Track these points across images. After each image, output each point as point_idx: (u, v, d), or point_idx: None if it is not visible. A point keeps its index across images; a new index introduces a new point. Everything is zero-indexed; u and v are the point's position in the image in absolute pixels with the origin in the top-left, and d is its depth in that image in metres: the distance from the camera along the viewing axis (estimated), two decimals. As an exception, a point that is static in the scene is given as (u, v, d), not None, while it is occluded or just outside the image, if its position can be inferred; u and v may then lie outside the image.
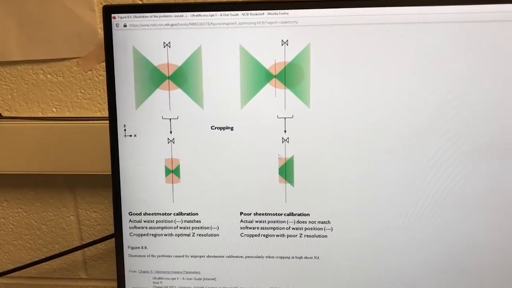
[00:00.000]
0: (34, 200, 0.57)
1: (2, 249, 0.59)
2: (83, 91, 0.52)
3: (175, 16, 0.37)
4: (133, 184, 0.40)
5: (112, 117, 0.39)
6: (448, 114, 0.37)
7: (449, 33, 0.36)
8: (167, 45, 0.38)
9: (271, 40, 0.37)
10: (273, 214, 0.40)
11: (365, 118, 0.38)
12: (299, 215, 0.40)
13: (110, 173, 0.40)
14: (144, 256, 0.42)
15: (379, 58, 0.37)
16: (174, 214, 0.41)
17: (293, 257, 0.41)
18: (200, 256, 0.41)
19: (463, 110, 0.37)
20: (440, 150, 0.38)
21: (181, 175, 0.40)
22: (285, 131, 0.38)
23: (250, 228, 0.40)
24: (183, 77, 0.38)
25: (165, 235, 0.41)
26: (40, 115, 0.53)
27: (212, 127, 0.39)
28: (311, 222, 0.40)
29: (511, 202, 0.38)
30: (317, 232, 0.40)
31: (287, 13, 0.37)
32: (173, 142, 0.39)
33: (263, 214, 0.40)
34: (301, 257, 0.41)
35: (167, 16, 0.37)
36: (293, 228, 0.40)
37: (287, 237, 0.40)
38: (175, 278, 0.42)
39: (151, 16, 0.37)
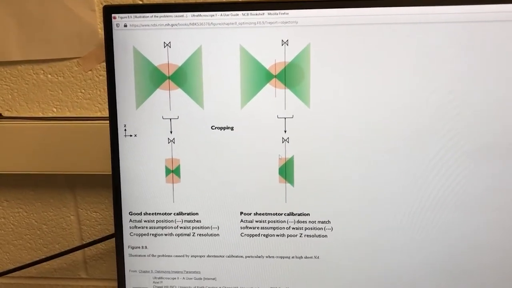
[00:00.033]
0: (34, 200, 0.57)
1: (3, 249, 0.59)
2: (83, 91, 0.52)
3: (176, 16, 0.37)
4: (133, 184, 0.40)
5: (113, 117, 0.39)
6: (449, 114, 0.37)
7: (451, 33, 0.36)
8: (167, 45, 0.38)
9: (271, 40, 0.37)
10: (273, 214, 0.40)
11: (366, 118, 0.38)
12: (299, 215, 0.40)
13: (111, 173, 0.40)
14: (144, 256, 0.42)
15: (380, 58, 0.37)
16: (174, 214, 0.41)
17: (293, 257, 0.41)
18: (200, 256, 0.41)
19: (464, 110, 0.37)
20: (441, 150, 0.38)
21: (181, 175, 0.40)
22: (285, 131, 0.38)
23: (250, 228, 0.40)
24: (183, 77, 0.38)
25: (166, 235, 0.41)
26: (41, 115, 0.53)
27: (212, 127, 0.39)
28: (311, 222, 0.40)
29: (512, 202, 0.38)
30: (317, 232, 0.40)
31: (287, 13, 0.37)
32: (174, 142, 0.39)
33: (263, 214, 0.40)
34: (301, 257, 0.41)
35: (167, 16, 0.37)
36: (293, 228, 0.40)
37: (287, 237, 0.40)
38: (175, 278, 0.42)
39: (151, 16, 0.37)
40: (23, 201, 0.57)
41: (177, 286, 0.42)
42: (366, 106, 0.37)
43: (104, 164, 0.47)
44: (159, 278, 0.42)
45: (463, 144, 0.37)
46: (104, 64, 0.41)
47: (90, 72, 0.51)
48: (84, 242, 0.56)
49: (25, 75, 0.52)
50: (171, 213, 0.41)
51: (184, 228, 0.41)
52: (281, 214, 0.40)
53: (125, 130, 0.39)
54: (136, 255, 0.42)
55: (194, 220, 0.41)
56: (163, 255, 0.42)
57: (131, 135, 0.39)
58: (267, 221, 0.40)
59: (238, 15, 0.37)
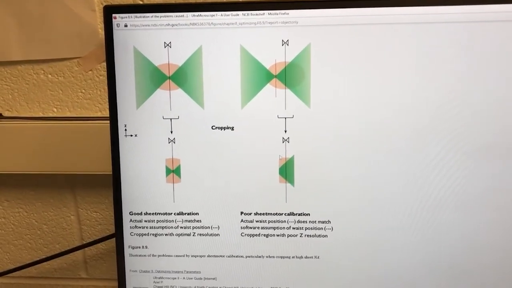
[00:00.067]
0: (34, 200, 0.57)
1: (3, 249, 0.59)
2: (83, 91, 0.52)
3: (176, 16, 0.37)
4: (133, 184, 0.40)
5: (113, 117, 0.39)
6: (449, 114, 0.37)
7: (451, 33, 0.36)
8: (167, 45, 0.38)
9: (272, 40, 0.37)
10: (274, 214, 0.40)
11: (366, 118, 0.38)
12: (299, 215, 0.40)
13: (111, 173, 0.40)
14: (144, 255, 0.42)
15: (380, 58, 0.37)
16: (174, 214, 0.41)
17: (293, 257, 0.41)
18: (201, 256, 0.41)
19: (464, 110, 0.37)
20: (441, 150, 0.38)
21: (181, 175, 0.40)
22: (285, 131, 0.38)
23: (251, 227, 0.40)
24: (183, 77, 0.38)
25: (166, 234, 0.41)
26: (41, 115, 0.53)
27: (213, 127, 0.39)
28: (312, 222, 0.40)
29: (512, 202, 0.38)
30: (318, 232, 0.40)
31: (288, 13, 0.37)
32: (174, 142, 0.39)
33: (263, 214, 0.40)
34: (302, 257, 0.41)
35: (168, 16, 0.37)
36: (293, 228, 0.40)
37: (288, 236, 0.40)
38: (175, 278, 0.42)
39: (152, 16, 0.37)
40: (24, 201, 0.57)
41: (178, 286, 0.42)
42: (366, 106, 0.38)
43: (105, 164, 0.47)
44: (159, 278, 0.42)
45: (463, 144, 0.37)
46: (105, 64, 0.41)
47: (90, 72, 0.51)
48: (85, 242, 0.56)
49: (26, 75, 0.52)
50: (171, 213, 0.41)
51: (185, 228, 0.41)
52: (282, 214, 0.40)
53: (125, 130, 0.39)
54: (136, 255, 0.42)
55: (195, 220, 0.41)
56: (163, 255, 0.42)
57: (131, 135, 0.39)
58: (267, 221, 0.40)
59: (238, 15, 0.37)
